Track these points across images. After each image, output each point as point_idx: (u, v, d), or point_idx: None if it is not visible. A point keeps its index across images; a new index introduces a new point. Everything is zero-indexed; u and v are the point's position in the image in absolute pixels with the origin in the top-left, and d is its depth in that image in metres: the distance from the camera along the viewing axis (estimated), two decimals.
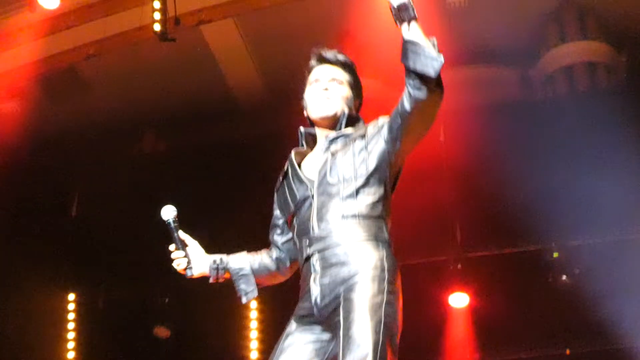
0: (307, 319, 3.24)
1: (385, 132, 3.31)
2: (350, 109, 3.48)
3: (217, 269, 3.50)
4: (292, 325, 3.28)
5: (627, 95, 8.58)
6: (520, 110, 8.99)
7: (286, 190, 3.43)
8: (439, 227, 8.29)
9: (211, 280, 3.51)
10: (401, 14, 3.12)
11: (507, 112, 8.82)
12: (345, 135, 3.40)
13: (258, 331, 8.60)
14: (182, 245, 3.48)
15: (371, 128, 3.37)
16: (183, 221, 8.79)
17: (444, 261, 8.22)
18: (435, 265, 8.26)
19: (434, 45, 3.12)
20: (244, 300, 3.52)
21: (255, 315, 8.69)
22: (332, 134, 3.43)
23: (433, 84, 3.11)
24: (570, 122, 8.21)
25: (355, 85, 3.55)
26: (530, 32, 9.79)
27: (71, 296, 9.15)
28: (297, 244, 3.36)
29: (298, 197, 3.35)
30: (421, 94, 3.12)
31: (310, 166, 3.42)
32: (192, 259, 3.50)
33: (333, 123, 3.45)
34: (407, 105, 3.18)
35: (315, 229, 3.24)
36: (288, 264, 3.56)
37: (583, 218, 7.86)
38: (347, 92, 3.50)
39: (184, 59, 9.60)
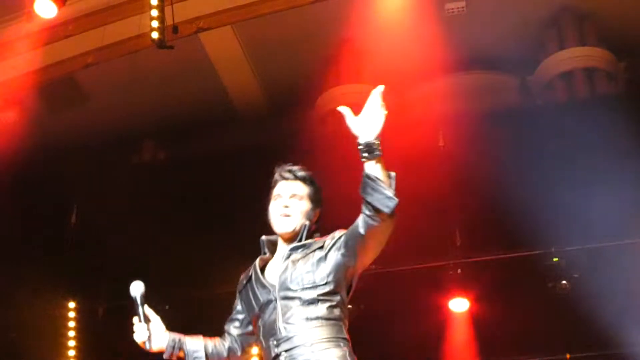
0: None
1: (342, 247, 3.59)
2: (310, 220, 3.76)
3: (173, 346, 3.77)
4: None
5: (627, 101, 8.60)
6: (519, 117, 8.99)
7: (250, 293, 3.73)
8: (438, 233, 8.29)
9: (165, 356, 3.77)
10: (367, 151, 3.37)
11: (506, 118, 8.82)
12: (305, 246, 3.69)
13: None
14: (146, 320, 3.74)
15: (329, 240, 3.65)
16: (184, 230, 8.78)
17: (444, 266, 8.22)
18: (435, 270, 8.26)
19: (392, 181, 3.39)
20: None
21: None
22: (293, 244, 3.72)
23: (386, 217, 3.39)
24: (570, 128, 8.22)
25: (315, 197, 3.83)
26: (529, 39, 9.81)
27: (71, 304, 9.15)
28: (263, 343, 3.63)
29: (262, 300, 3.64)
30: (375, 222, 3.40)
31: (272, 272, 3.72)
32: (153, 333, 3.73)
33: (293, 236, 3.74)
34: (361, 230, 3.45)
35: (282, 330, 3.53)
36: (239, 353, 3.87)
37: (582, 223, 7.86)
38: (306, 206, 3.78)
39: (183, 67, 9.62)
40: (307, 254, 3.64)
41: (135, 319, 3.73)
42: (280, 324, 3.54)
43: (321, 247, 3.64)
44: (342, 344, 3.52)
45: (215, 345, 3.84)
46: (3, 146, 9.92)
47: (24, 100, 10.08)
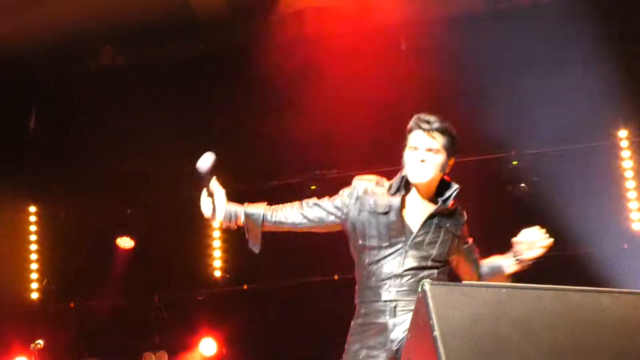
0: (378, 352, 3.78)
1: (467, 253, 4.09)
2: (444, 173, 3.96)
3: (230, 219, 3.94)
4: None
5: (589, 5, 8.57)
6: (481, 21, 8.96)
7: (381, 225, 3.87)
8: (399, 136, 8.32)
9: (224, 226, 3.97)
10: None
11: (468, 22, 8.78)
12: (452, 216, 3.96)
13: (221, 241, 8.68)
14: (209, 194, 3.91)
15: (466, 235, 4.08)
16: (144, 135, 8.72)
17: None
18: (394, 173, 8.31)
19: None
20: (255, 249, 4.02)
21: (218, 224, 8.76)
22: (443, 205, 3.93)
23: None
24: (532, 30, 8.23)
25: (451, 147, 3.96)
26: None
27: (32, 208, 9.14)
28: (374, 283, 3.83)
29: (391, 239, 3.83)
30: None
31: (412, 218, 3.90)
32: (217, 205, 3.91)
33: (427, 187, 3.92)
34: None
35: (398, 279, 3.77)
36: (301, 228, 4.04)
37: (542, 126, 7.94)
38: (441, 159, 3.91)
39: None
40: (452, 227, 3.93)
41: (203, 193, 3.90)
42: (398, 272, 3.78)
43: (460, 236, 3.99)
44: None
45: (274, 213, 3.98)
46: None
47: None
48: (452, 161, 3.97)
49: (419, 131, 3.93)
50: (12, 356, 8.68)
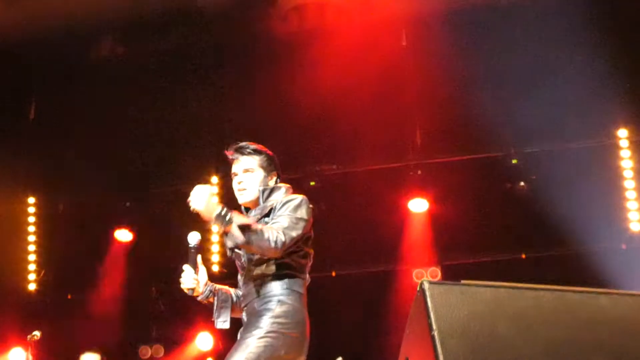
0: None
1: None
2: (265, 185, 4.15)
3: (207, 295, 4.18)
4: None
5: (589, 3, 8.56)
6: (482, 17, 8.94)
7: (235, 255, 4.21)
8: (399, 133, 8.33)
9: (200, 299, 4.18)
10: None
11: (470, 17, 8.77)
12: (261, 209, 4.09)
13: (219, 235, 8.64)
14: (195, 269, 4.10)
15: (278, 206, 4.04)
16: (144, 126, 8.71)
17: (404, 167, 8.29)
18: (395, 170, 8.33)
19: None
20: (218, 325, 4.23)
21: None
22: (254, 210, 4.14)
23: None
24: (533, 28, 8.21)
25: (268, 163, 4.19)
26: None
27: (31, 200, 9.12)
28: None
29: (241, 262, 4.14)
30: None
31: None
32: (199, 281, 4.14)
33: (255, 203, 4.15)
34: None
35: (242, 288, 4.13)
36: None
37: (542, 125, 7.93)
38: (259, 175, 4.16)
39: None
40: (258, 220, 4.02)
41: (186, 266, 4.08)
42: (241, 283, 4.13)
43: (268, 214, 4.03)
44: (283, 298, 3.96)
45: (237, 295, 4.24)
46: None
47: None
48: (274, 174, 4.20)
49: (234, 161, 4.19)
50: (8, 347, 8.68)
